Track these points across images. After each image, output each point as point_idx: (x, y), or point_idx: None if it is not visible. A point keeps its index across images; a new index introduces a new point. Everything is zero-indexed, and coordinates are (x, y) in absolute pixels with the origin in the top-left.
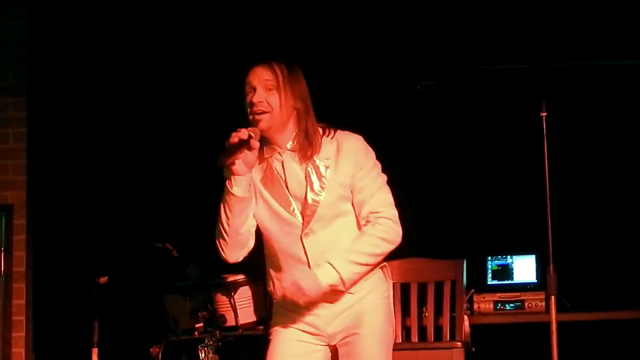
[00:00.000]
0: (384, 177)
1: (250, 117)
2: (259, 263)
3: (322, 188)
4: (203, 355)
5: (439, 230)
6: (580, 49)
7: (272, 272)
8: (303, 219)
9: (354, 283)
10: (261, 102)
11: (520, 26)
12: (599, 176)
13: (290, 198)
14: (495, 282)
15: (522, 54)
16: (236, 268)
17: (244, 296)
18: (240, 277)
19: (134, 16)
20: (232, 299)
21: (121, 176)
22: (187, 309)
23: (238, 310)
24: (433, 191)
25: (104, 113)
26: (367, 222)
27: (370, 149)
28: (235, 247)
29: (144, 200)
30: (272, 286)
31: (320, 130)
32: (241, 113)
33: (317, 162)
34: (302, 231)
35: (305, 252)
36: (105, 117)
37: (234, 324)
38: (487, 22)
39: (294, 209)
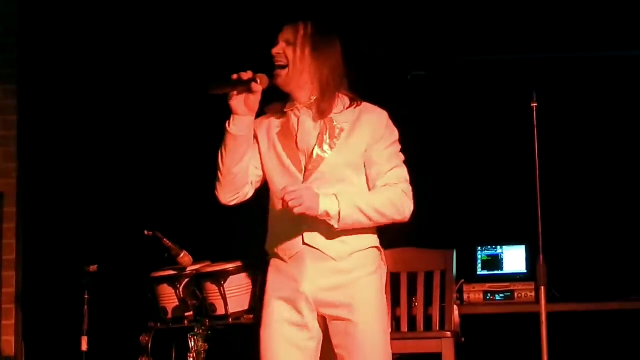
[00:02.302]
0: (402, 157)
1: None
2: (249, 254)
3: (331, 147)
4: (193, 343)
5: (429, 221)
6: (571, 40)
7: (270, 229)
8: (304, 174)
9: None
10: (279, 53)
11: (511, 17)
12: (590, 167)
13: (299, 153)
14: (485, 272)
15: (513, 44)
16: (226, 257)
17: (234, 285)
18: (230, 265)
19: (124, 5)
20: (222, 288)
21: (111, 164)
22: (177, 297)
23: (228, 299)
24: (423, 181)
25: (95, 101)
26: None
27: (394, 127)
28: (227, 187)
29: (134, 189)
30: (268, 244)
31: (347, 99)
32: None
33: (335, 122)
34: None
35: None
36: (96, 106)
37: (223, 312)
38: (478, 13)
39: (300, 163)
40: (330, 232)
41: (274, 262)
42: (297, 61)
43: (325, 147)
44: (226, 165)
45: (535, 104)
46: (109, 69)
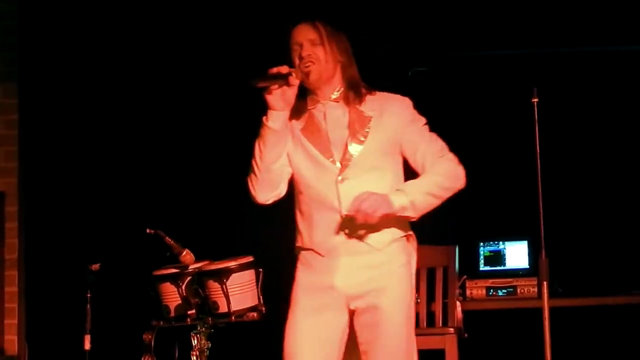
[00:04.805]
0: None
1: (302, 71)
2: (251, 251)
3: (365, 136)
4: (195, 341)
5: (431, 217)
6: (572, 35)
7: (302, 225)
8: (341, 165)
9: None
10: (309, 55)
11: (512, 12)
12: (591, 162)
13: (331, 146)
14: (488, 268)
15: (514, 40)
16: (228, 254)
17: (236, 283)
18: (232, 263)
19: (124, 3)
20: (224, 286)
21: (113, 163)
22: (180, 295)
23: (230, 297)
24: None
25: (96, 100)
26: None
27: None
28: (265, 185)
29: (135, 187)
30: (301, 241)
31: (364, 89)
32: (227, 104)
33: (362, 110)
34: (338, 176)
35: (339, 198)
36: (97, 104)
37: (226, 310)
38: (479, 8)
39: (332, 155)
40: (367, 224)
41: (304, 257)
42: (328, 59)
43: (359, 136)
44: (265, 162)
45: (536, 100)
46: (109, 68)
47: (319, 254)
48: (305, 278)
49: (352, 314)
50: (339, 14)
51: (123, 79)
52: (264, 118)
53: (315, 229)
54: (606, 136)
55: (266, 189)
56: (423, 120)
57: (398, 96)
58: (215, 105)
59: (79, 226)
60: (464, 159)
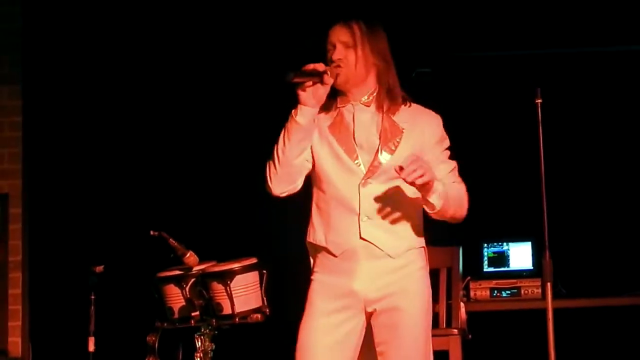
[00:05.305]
0: None
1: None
2: (256, 253)
3: (395, 146)
4: (199, 343)
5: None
6: (575, 36)
7: (318, 221)
8: (367, 169)
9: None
10: (340, 59)
11: (516, 13)
12: (595, 163)
13: (356, 147)
14: (492, 269)
15: (517, 40)
16: (232, 256)
17: (240, 284)
18: (236, 265)
19: (127, 5)
20: (228, 288)
21: (117, 164)
22: (184, 297)
23: (234, 299)
24: None
25: (99, 102)
26: None
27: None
28: (284, 178)
29: (139, 189)
30: (313, 236)
31: (400, 98)
32: (230, 106)
33: (395, 121)
34: (362, 180)
35: (359, 201)
36: (101, 106)
37: (230, 312)
38: (483, 9)
39: (357, 158)
40: (387, 226)
41: (320, 258)
42: (359, 62)
43: (390, 145)
44: (287, 156)
45: (539, 101)
46: (113, 70)
47: (332, 254)
48: (322, 279)
49: (369, 316)
50: (341, 14)
51: (127, 81)
52: (293, 112)
53: (332, 228)
54: (610, 137)
55: (284, 183)
56: (447, 143)
57: (431, 112)
58: (219, 106)
59: (82, 228)
60: (467, 160)
